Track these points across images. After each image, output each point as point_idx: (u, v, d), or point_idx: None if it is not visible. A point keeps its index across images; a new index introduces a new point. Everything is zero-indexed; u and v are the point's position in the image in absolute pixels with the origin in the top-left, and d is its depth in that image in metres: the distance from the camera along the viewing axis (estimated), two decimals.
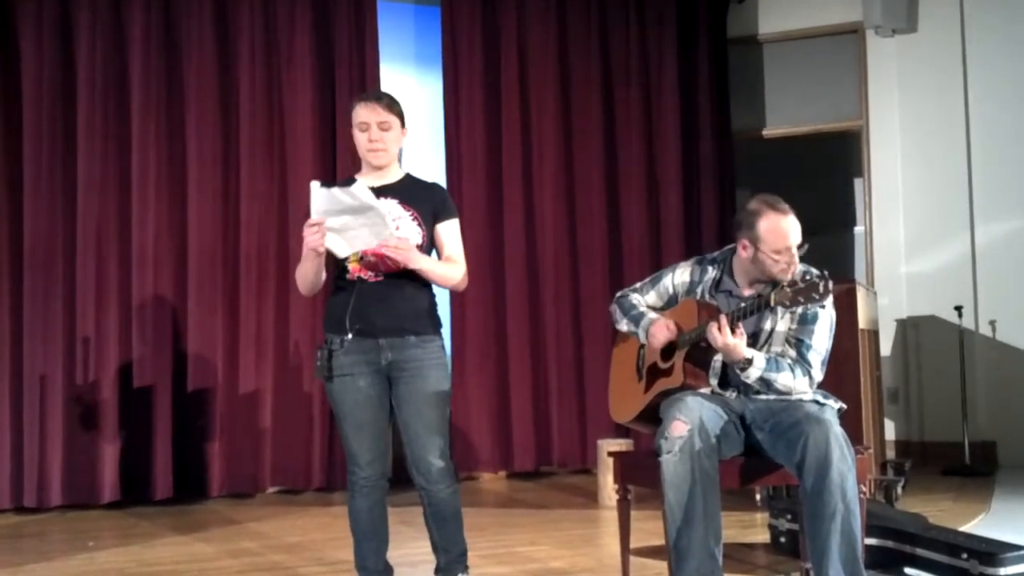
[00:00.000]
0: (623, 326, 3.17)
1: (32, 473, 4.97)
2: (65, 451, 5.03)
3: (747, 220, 2.88)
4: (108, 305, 5.17)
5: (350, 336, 2.82)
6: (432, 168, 5.71)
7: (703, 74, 6.40)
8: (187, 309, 5.31)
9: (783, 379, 2.84)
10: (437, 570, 3.03)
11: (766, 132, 6.77)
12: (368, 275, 2.84)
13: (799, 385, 2.86)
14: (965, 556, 3.10)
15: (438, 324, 2.99)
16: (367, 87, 5.69)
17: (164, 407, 5.19)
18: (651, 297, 3.16)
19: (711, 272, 3.04)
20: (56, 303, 5.09)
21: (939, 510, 4.44)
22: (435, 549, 3.01)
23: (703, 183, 6.34)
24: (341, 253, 2.79)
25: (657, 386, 3.02)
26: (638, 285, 3.22)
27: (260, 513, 4.91)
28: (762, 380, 2.84)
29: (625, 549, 3.15)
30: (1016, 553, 3.06)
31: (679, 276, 3.11)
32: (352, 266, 2.84)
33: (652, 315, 3.08)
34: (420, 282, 2.91)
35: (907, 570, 3.34)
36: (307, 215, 2.78)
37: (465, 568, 3.03)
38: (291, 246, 5.52)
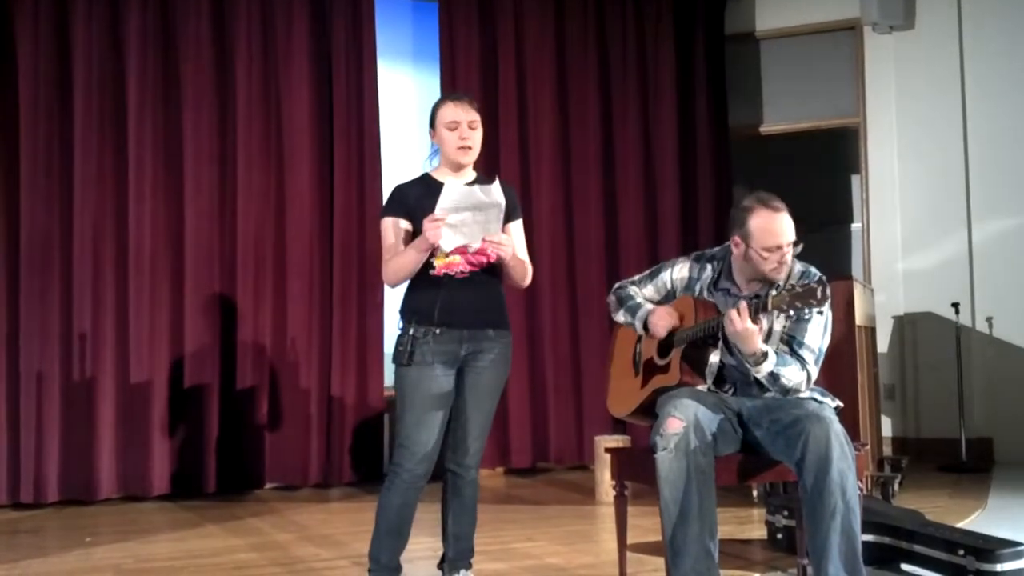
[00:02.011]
0: (620, 317, 3.15)
1: (28, 469, 4.96)
2: (62, 447, 5.03)
3: (739, 217, 2.87)
4: (104, 302, 5.17)
5: (438, 331, 2.89)
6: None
7: (700, 70, 6.40)
8: (184, 306, 5.31)
9: (789, 372, 2.80)
10: (442, 561, 3.06)
11: (763, 129, 6.77)
12: (455, 272, 2.91)
13: (798, 378, 2.85)
14: (962, 552, 3.10)
15: (508, 318, 3.07)
16: (364, 83, 5.69)
17: (161, 403, 5.20)
18: (648, 291, 3.14)
19: (709, 270, 3.03)
20: (53, 300, 5.08)
21: (936, 506, 4.44)
22: (445, 539, 3.06)
23: (700, 179, 6.34)
24: (447, 246, 2.86)
25: (653, 383, 3.01)
26: (636, 278, 3.20)
27: (257, 509, 4.90)
28: (771, 375, 2.80)
29: (622, 545, 3.15)
30: (1012, 549, 3.06)
31: (678, 272, 3.09)
32: (438, 264, 2.91)
33: (650, 306, 3.05)
34: (497, 279, 3.00)
35: (904, 566, 3.34)
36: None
37: (469, 566, 3.07)
38: (288, 242, 5.52)
